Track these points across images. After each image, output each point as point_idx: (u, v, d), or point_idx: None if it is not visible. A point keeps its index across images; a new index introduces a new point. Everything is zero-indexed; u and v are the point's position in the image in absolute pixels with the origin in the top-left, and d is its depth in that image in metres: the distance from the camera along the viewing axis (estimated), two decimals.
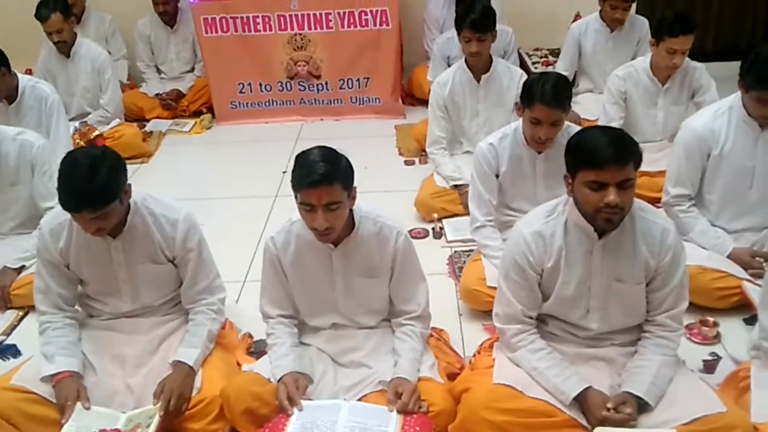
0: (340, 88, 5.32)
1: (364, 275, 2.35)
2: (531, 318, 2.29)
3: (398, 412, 2.14)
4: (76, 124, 4.53)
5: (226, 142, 5.16)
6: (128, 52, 5.69)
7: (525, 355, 2.24)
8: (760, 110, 2.83)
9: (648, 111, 3.88)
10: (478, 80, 3.83)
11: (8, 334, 3.04)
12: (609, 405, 2.08)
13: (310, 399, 2.23)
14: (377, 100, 5.33)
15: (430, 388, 2.25)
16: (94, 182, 2.15)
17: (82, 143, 4.27)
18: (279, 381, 2.23)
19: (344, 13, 5.07)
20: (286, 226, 2.37)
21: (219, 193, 4.32)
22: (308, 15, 5.09)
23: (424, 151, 4.13)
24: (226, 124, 5.39)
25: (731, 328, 2.82)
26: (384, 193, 3.96)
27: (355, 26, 5.11)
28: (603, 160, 2.01)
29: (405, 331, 2.37)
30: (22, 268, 3.19)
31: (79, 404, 2.24)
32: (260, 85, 5.34)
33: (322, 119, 5.38)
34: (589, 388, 2.13)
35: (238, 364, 2.57)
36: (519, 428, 2.11)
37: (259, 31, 5.14)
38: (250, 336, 2.82)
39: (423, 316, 2.42)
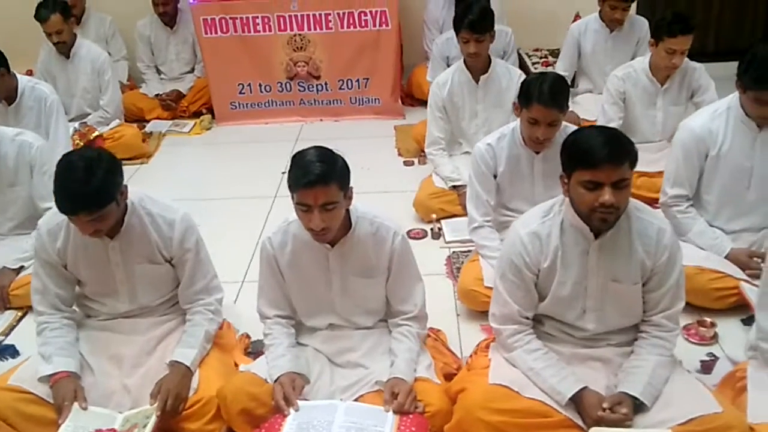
0: (340, 88, 5.32)
1: (360, 275, 2.35)
2: (527, 318, 2.29)
3: (394, 412, 2.14)
4: (76, 124, 4.54)
5: (225, 143, 5.17)
6: (128, 52, 5.69)
7: (521, 356, 2.24)
8: (757, 110, 2.82)
9: (647, 111, 3.88)
10: (477, 81, 3.83)
11: (7, 335, 3.05)
12: (605, 405, 2.08)
13: (306, 399, 2.23)
14: (377, 100, 5.33)
15: (427, 388, 2.25)
16: (90, 184, 2.15)
17: (81, 144, 4.28)
18: (275, 381, 2.23)
19: (344, 13, 5.07)
20: (282, 226, 2.37)
21: (218, 193, 4.32)
22: (308, 16, 5.09)
23: (423, 151, 4.12)
24: (225, 125, 5.40)
25: (729, 328, 2.82)
26: (383, 194, 3.96)
27: (355, 27, 5.11)
28: (598, 160, 2.01)
29: (402, 332, 2.37)
30: (21, 268, 3.19)
31: (76, 404, 2.24)
32: (260, 85, 5.34)
33: (321, 120, 5.39)
34: (585, 388, 2.13)
35: (236, 365, 2.57)
36: (515, 428, 2.11)
37: (259, 31, 5.14)
38: (248, 336, 2.82)
39: (420, 316, 2.42)
